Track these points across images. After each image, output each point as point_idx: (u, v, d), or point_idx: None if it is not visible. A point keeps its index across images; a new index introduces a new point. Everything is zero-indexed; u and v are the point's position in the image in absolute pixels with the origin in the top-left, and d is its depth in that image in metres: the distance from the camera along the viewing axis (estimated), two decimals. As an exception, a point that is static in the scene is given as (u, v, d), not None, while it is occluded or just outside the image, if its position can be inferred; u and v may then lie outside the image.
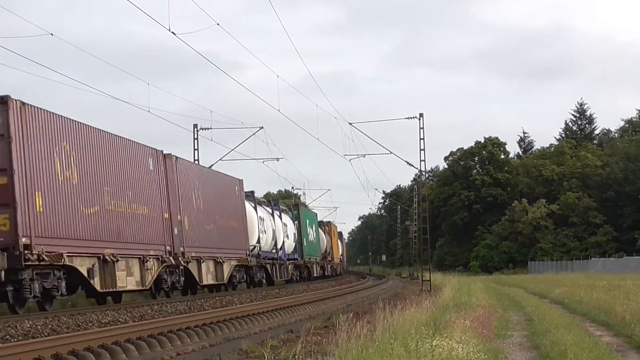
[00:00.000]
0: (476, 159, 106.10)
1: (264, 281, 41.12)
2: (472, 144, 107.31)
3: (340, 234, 79.88)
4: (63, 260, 20.37)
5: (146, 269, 25.45)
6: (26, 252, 18.91)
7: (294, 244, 49.19)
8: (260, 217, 40.37)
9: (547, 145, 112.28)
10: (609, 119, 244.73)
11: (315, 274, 57.14)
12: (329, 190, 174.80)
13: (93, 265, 22.16)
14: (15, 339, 13.56)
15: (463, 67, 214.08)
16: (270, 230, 42.29)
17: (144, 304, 23.16)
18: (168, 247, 27.24)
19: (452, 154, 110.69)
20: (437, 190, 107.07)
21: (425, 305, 19.33)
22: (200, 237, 30.67)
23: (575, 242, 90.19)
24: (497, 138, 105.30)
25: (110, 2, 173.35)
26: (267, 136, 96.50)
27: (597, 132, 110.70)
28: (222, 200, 34.01)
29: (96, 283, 22.26)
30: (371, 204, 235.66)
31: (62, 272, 21.04)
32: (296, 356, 10.67)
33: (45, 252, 19.63)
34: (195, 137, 43.52)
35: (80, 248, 21.51)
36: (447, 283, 38.53)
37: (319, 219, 66.41)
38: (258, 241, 38.79)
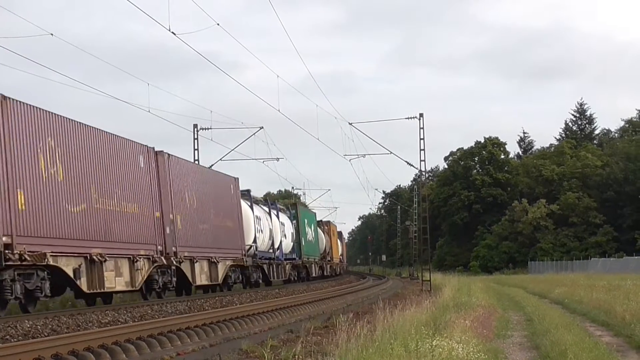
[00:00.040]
0: (476, 159, 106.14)
1: (261, 281, 40.61)
2: (472, 144, 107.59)
3: (340, 234, 79.64)
4: (46, 260, 19.65)
5: (136, 269, 24.79)
6: (7, 251, 18.20)
7: (291, 243, 48.68)
8: (257, 216, 39.79)
9: (547, 145, 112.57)
10: (609, 119, 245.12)
11: (314, 274, 56.62)
12: (329, 190, 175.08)
13: (79, 266, 21.44)
14: (15, 339, 13.56)
15: (463, 67, 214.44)
16: (267, 230, 41.73)
17: (144, 304, 23.11)
18: (159, 247, 26.55)
19: (452, 154, 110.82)
20: (437, 190, 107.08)
21: (425, 305, 19.34)
22: (193, 236, 30.02)
23: (575, 242, 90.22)
24: (497, 138, 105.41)
25: (110, 2, 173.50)
26: (267, 136, 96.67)
27: (597, 132, 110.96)
28: (217, 198, 33.35)
29: (83, 284, 21.57)
30: (371, 204, 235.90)
31: (46, 272, 20.27)
32: (296, 356, 10.67)
33: (28, 251, 18.87)
34: (195, 137, 43.52)
35: (65, 247, 20.79)
36: (447, 283, 38.53)
37: (318, 219, 66.30)
38: (254, 241, 38.18)
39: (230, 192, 35.41)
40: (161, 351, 13.27)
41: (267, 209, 43.56)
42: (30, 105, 19.75)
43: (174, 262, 27.73)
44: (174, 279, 28.33)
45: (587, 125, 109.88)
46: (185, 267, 29.04)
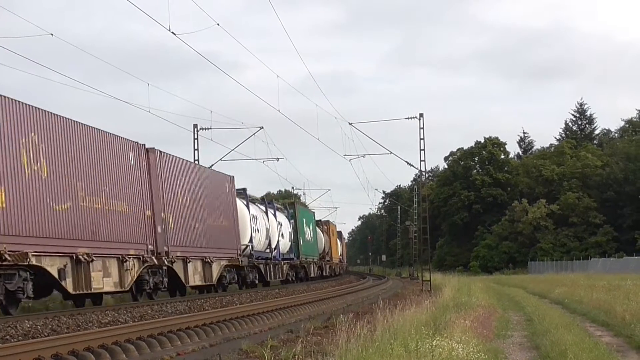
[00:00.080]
0: (476, 159, 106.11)
1: (257, 282, 39.94)
2: (472, 144, 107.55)
3: (339, 234, 79.40)
4: (28, 260, 18.94)
5: (125, 270, 24.00)
6: None
7: (289, 243, 48.09)
8: (253, 215, 39.18)
9: (547, 145, 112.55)
10: (609, 119, 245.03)
11: (312, 274, 55.94)
12: (329, 190, 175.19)
13: (65, 266, 20.69)
14: (15, 339, 13.56)
15: (463, 67, 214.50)
16: (263, 229, 41.16)
17: (144, 305, 23.09)
18: (150, 246, 25.83)
19: (452, 154, 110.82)
20: (437, 190, 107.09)
21: (425, 305, 19.34)
22: (186, 235, 29.32)
23: (575, 242, 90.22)
24: (497, 138, 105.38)
25: (110, 2, 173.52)
26: (267, 136, 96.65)
27: (597, 132, 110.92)
28: (212, 197, 32.62)
29: (68, 284, 20.78)
30: (371, 204, 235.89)
31: (28, 273, 19.58)
32: (296, 356, 10.68)
33: (9, 251, 18.19)
34: (195, 137, 43.49)
35: (49, 247, 20.04)
36: (447, 283, 38.52)
37: (318, 219, 66.07)
38: (250, 240, 37.55)
39: (226, 190, 34.66)
40: (161, 351, 13.28)
41: (263, 208, 43.07)
42: (11, 99, 19.08)
43: (166, 262, 27.04)
44: (166, 280, 27.65)
45: (587, 125, 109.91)
46: (178, 267, 28.35)
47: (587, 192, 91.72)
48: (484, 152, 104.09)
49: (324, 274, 63.01)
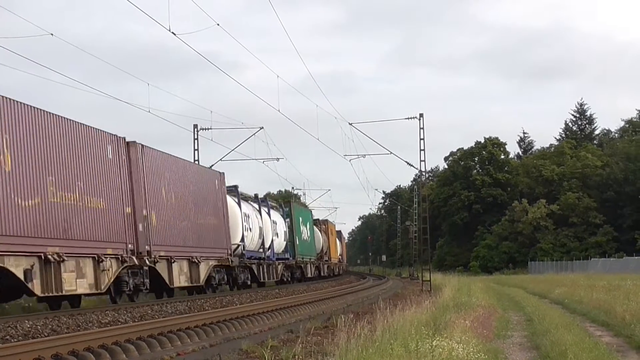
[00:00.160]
0: (476, 159, 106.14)
1: (250, 283, 38.44)
2: (472, 144, 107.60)
3: (339, 233, 78.67)
4: None
5: (102, 270, 22.46)
6: None
7: (284, 242, 46.83)
8: (245, 214, 37.61)
9: (547, 146, 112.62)
10: (609, 119, 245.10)
11: (309, 275, 54.54)
12: (329, 190, 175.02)
13: (32, 266, 19.14)
14: (15, 339, 13.56)
15: (463, 67, 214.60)
16: (256, 228, 39.51)
17: (144, 304, 23.09)
18: (130, 246, 24.33)
19: (452, 154, 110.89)
20: (437, 190, 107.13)
21: (425, 306, 19.34)
22: (171, 234, 27.74)
23: (575, 242, 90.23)
24: (497, 138, 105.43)
25: (110, 2, 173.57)
26: (267, 136, 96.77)
27: (597, 132, 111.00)
28: (200, 194, 31.07)
29: (35, 286, 19.22)
30: (371, 204, 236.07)
31: None
32: (296, 356, 10.68)
33: None
34: (196, 137, 43.47)
35: (13, 246, 18.48)
36: (447, 283, 38.52)
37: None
38: (242, 239, 36.10)
39: (215, 187, 33.16)
40: (161, 351, 13.28)
41: (256, 206, 41.70)
42: None
43: (147, 262, 25.48)
44: (147, 281, 26.05)
45: (587, 126, 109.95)
46: (161, 268, 26.82)
47: (587, 192, 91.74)
48: (484, 152, 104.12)
49: (322, 274, 61.88)
